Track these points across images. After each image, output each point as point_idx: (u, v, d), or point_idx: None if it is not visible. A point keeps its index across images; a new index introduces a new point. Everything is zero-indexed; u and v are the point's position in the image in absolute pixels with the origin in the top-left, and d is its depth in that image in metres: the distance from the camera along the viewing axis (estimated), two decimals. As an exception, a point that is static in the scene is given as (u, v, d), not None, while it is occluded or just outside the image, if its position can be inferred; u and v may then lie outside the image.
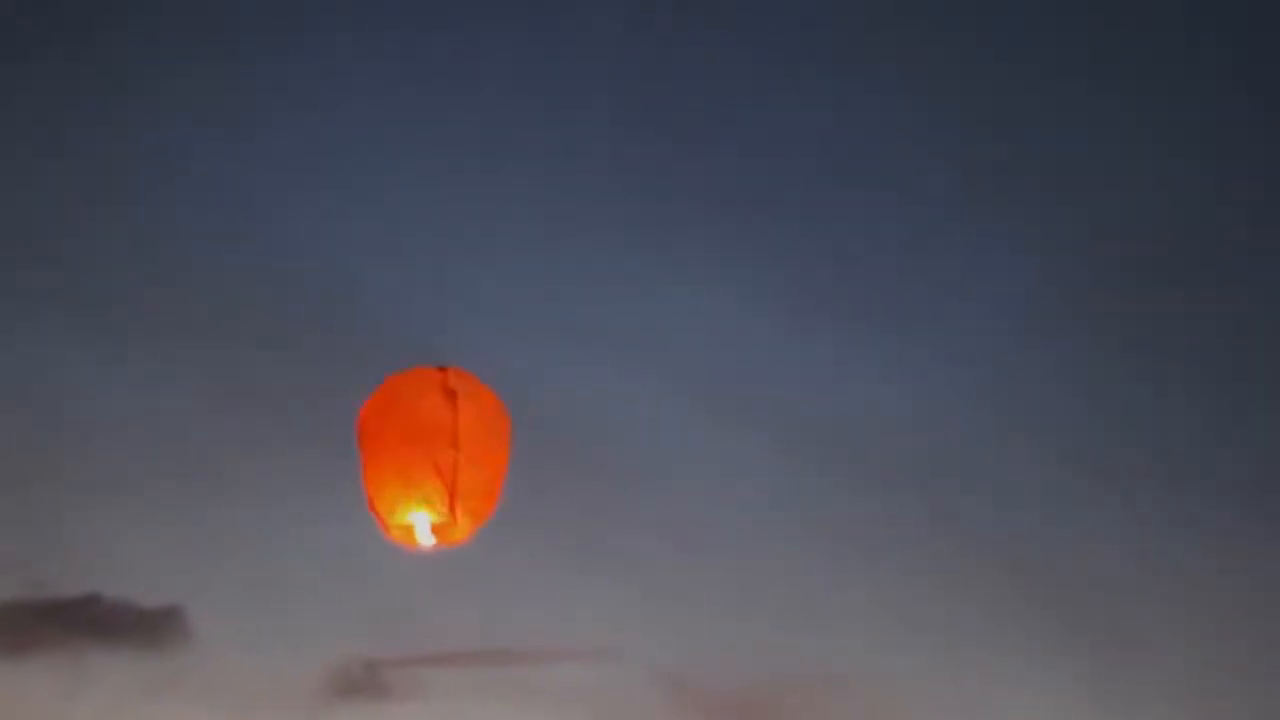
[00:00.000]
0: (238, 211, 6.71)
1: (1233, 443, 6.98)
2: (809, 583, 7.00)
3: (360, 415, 3.64)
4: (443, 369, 3.64)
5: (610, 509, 6.83)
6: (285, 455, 6.60)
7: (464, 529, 3.61)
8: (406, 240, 6.48)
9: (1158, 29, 6.75)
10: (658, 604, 6.90)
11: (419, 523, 3.55)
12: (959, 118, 6.85)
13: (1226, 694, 6.85)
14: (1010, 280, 7.04)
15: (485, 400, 3.66)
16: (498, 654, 6.95)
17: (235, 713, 6.80)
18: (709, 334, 6.94)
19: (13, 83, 6.39)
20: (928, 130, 6.83)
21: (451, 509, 3.53)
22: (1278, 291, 6.93)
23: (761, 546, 6.99)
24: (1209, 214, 6.88)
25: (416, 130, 6.57)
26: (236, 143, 6.57)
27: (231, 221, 6.71)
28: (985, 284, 7.06)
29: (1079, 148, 6.88)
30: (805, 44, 6.73)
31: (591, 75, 6.66)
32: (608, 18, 6.60)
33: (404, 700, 6.96)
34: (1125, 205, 6.86)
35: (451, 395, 3.55)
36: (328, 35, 6.49)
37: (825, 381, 7.02)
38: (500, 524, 6.64)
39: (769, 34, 6.69)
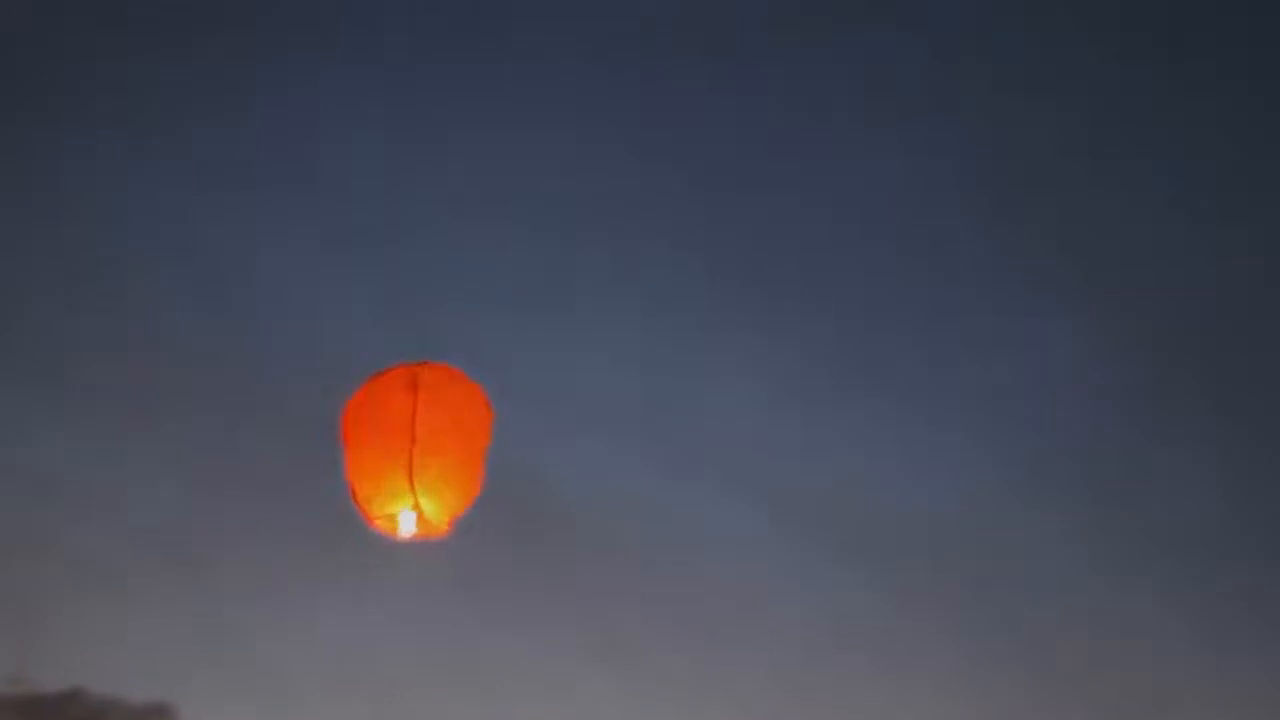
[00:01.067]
0: (235, 289, 6.56)
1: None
2: (830, 679, 6.70)
3: (343, 412, 3.69)
4: (415, 365, 3.66)
5: (623, 596, 6.64)
6: (281, 542, 6.42)
7: (438, 520, 3.65)
8: (406, 310, 6.25)
9: (1186, 100, 6.56)
10: (671, 696, 6.66)
11: (402, 515, 3.62)
12: (991, 183, 6.65)
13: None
14: (1042, 355, 6.80)
15: (454, 392, 3.64)
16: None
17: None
18: (735, 417, 6.75)
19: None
20: (958, 195, 6.62)
21: (415, 501, 3.58)
22: None
23: (782, 639, 6.73)
24: (1252, 278, 6.64)
25: (418, 202, 6.32)
26: (234, 219, 6.42)
27: (229, 300, 6.55)
28: (1017, 358, 6.79)
29: (1114, 213, 6.67)
30: (825, 107, 6.59)
31: (596, 153, 6.46)
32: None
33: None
34: (1165, 273, 6.65)
35: (413, 390, 3.59)
36: (321, 90, 6.42)
37: (843, 463, 6.79)
38: (504, 612, 6.45)
39: (787, 98, 6.56)
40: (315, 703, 6.54)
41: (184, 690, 6.53)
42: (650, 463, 6.58)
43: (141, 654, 6.50)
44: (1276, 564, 6.63)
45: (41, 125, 6.18)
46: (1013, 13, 6.43)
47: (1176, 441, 6.71)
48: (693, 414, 6.64)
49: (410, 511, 3.61)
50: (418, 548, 6.39)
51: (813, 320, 6.65)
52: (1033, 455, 6.76)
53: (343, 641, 6.45)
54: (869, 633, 6.70)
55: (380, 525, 3.66)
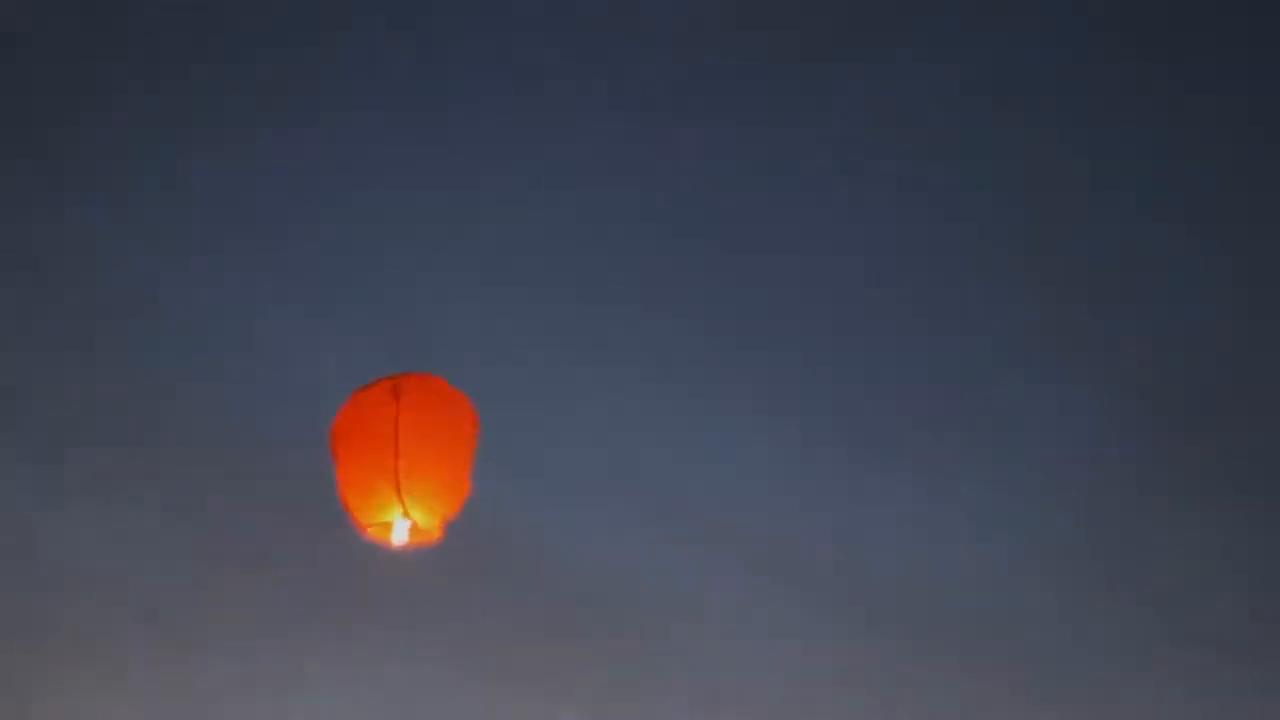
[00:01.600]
0: (233, 361, 6.47)
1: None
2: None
3: (332, 426, 3.80)
4: (396, 376, 3.78)
5: (623, 661, 6.57)
6: (269, 613, 6.39)
7: (429, 526, 3.75)
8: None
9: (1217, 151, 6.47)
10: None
11: (395, 523, 3.72)
12: (1000, 243, 6.58)
13: None
14: (1052, 421, 6.67)
15: (436, 402, 3.76)
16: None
17: None
18: (734, 479, 6.65)
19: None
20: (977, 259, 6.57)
21: (404, 510, 3.68)
22: None
23: (781, 700, 6.63)
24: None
25: (407, 261, 6.29)
26: (209, 283, 6.37)
27: (227, 374, 6.46)
28: (1039, 426, 6.68)
29: (1142, 277, 6.60)
30: (827, 165, 6.53)
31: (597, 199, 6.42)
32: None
33: None
34: (1189, 338, 6.53)
35: (394, 402, 3.71)
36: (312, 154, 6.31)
37: (846, 527, 6.67)
38: (507, 682, 6.33)
39: (786, 156, 6.50)
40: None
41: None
42: (648, 525, 6.53)
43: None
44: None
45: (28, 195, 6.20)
46: (1027, 66, 6.41)
47: (1188, 511, 6.59)
48: (692, 476, 6.58)
49: (402, 519, 3.70)
50: (418, 618, 6.38)
51: (814, 381, 6.57)
52: (1037, 521, 6.65)
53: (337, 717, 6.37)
54: (869, 696, 6.60)
55: (373, 534, 3.74)
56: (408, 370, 3.85)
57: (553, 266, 6.33)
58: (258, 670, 6.46)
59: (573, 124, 6.30)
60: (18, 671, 6.34)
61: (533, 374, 6.35)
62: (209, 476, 6.33)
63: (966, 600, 6.63)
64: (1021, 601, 6.64)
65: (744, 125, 6.38)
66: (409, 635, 6.44)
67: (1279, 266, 6.43)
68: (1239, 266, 6.46)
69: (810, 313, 6.54)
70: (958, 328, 6.56)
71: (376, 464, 3.65)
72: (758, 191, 6.43)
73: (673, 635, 6.59)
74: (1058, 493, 6.62)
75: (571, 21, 6.24)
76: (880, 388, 6.61)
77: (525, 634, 6.45)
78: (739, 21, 6.26)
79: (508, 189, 6.29)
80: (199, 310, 6.35)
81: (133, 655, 6.41)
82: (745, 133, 6.39)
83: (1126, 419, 6.55)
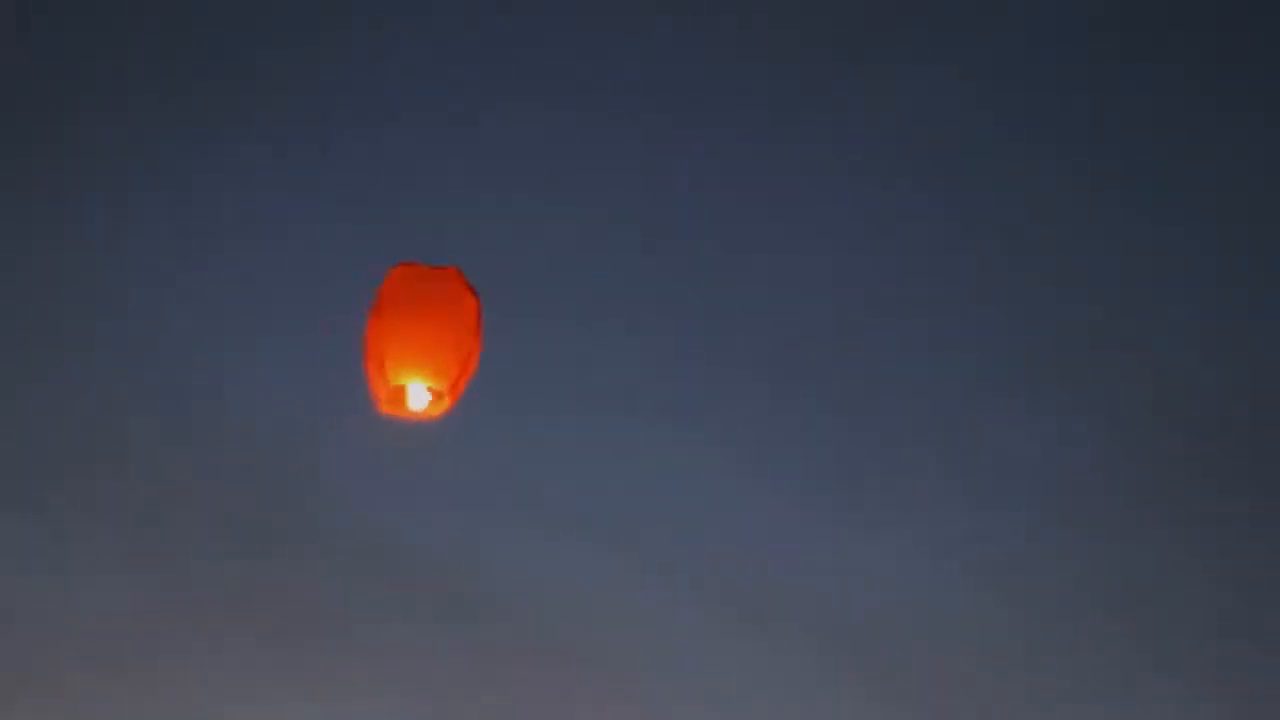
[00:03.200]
0: (198, 398, 6.38)
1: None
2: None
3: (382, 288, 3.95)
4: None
5: (591, 702, 6.35)
6: (229, 656, 6.22)
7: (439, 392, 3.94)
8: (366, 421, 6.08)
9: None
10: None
11: (411, 388, 3.89)
12: (995, 273, 6.52)
13: None
14: (1045, 462, 6.52)
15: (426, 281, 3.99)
16: None
17: None
18: (706, 516, 6.49)
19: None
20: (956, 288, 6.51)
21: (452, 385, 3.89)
22: None
23: None
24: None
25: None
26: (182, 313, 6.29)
27: (174, 387, 6.37)
28: (1025, 467, 6.53)
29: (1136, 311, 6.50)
30: (811, 188, 6.51)
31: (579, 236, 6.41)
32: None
33: None
34: (1185, 375, 6.44)
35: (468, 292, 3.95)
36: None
37: (843, 575, 6.48)
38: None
39: (770, 177, 6.49)
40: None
41: None
42: (616, 562, 6.40)
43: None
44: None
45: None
46: (1014, 110, 6.44)
47: (1185, 556, 6.46)
48: (662, 512, 6.44)
49: (418, 387, 3.85)
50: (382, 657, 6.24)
51: (787, 413, 6.47)
52: (1017, 561, 6.48)
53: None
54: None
55: (389, 408, 3.91)
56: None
57: (516, 296, 6.10)
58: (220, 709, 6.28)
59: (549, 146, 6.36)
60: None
61: (503, 405, 6.26)
62: (170, 506, 6.24)
63: (944, 641, 6.43)
64: (1000, 642, 6.44)
65: (727, 156, 6.42)
66: (379, 674, 6.31)
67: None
68: (1236, 300, 6.41)
69: (784, 343, 6.45)
70: (936, 362, 6.48)
71: (373, 348, 3.86)
72: (731, 218, 6.42)
73: (638, 669, 6.42)
74: (1039, 536, 6.47)
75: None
76: (856, 420, 6.50)
77: (496, 673, 6.31)
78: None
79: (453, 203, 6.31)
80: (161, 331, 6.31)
81: (74, 691, 6.21)
82: (729, 160, 6.41)
83: (1114, 461, 6.44)
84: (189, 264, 6.25)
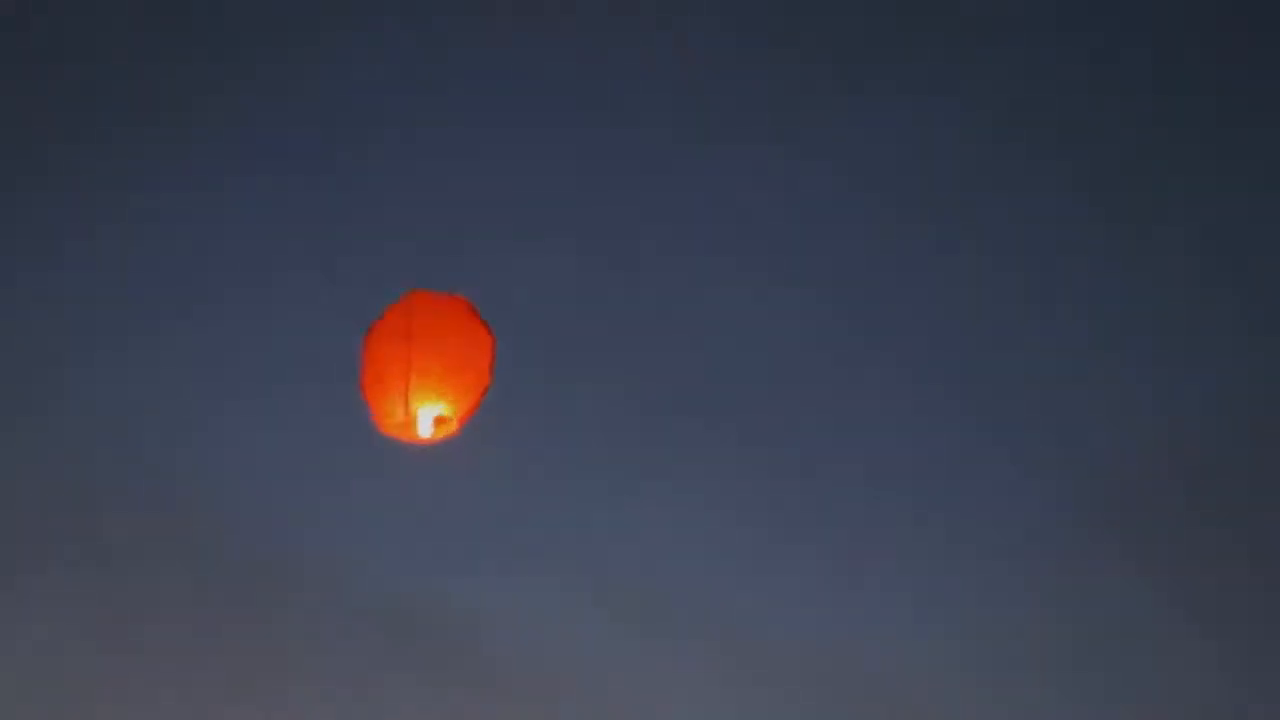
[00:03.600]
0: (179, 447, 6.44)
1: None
2: None
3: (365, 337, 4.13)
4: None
5: None
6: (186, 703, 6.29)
7: (451, 417, 4.08)
8: (325, 452, 6.27)
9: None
10: None
11: (420, 414, 4.01)
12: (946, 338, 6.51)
13: None
14: (1012, 506, 6.51)
15: (446, 315, 4.13)
16: None
17: None
18: (678, 560, 6.49)
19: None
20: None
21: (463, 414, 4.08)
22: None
23: None
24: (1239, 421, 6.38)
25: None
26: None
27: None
28: (986, 509, 6.53)
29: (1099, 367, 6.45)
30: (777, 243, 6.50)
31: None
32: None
33: None
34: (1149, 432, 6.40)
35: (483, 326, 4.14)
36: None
37: (791, 611, 6.48)
38: None
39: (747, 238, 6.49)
40: None
41: None
42: (589, 608, 6.43)
43: None
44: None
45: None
46: (977, 176, 6.41)
47: (1146, 605, 6.42)
48: (633, 556, 6.47)
49: (426, 413, 4.01)
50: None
51: (754, 461, 6.49)
52: (983, 612, 6.50)
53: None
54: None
55: (394, 432, 4.05)
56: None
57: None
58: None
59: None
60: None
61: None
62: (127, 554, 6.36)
63: (908, 689, 6.44)
64: (964, 690, 6.46)
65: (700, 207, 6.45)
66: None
67: (1242, 356, 6.37)
68: (1202, 355, 6.41)
69: (750, 387, 6.47)
70: (902, 411, 6.51)
71: (392, 362, 4.00)
72: (704, 257, 6.44)
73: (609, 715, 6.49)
74: (1004, 586, 6.47)
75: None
76: (824, 469, 6.53)
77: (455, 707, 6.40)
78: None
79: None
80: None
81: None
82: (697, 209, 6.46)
83: (1079, 512, 6.41)
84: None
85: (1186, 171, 6.34)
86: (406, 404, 3.98)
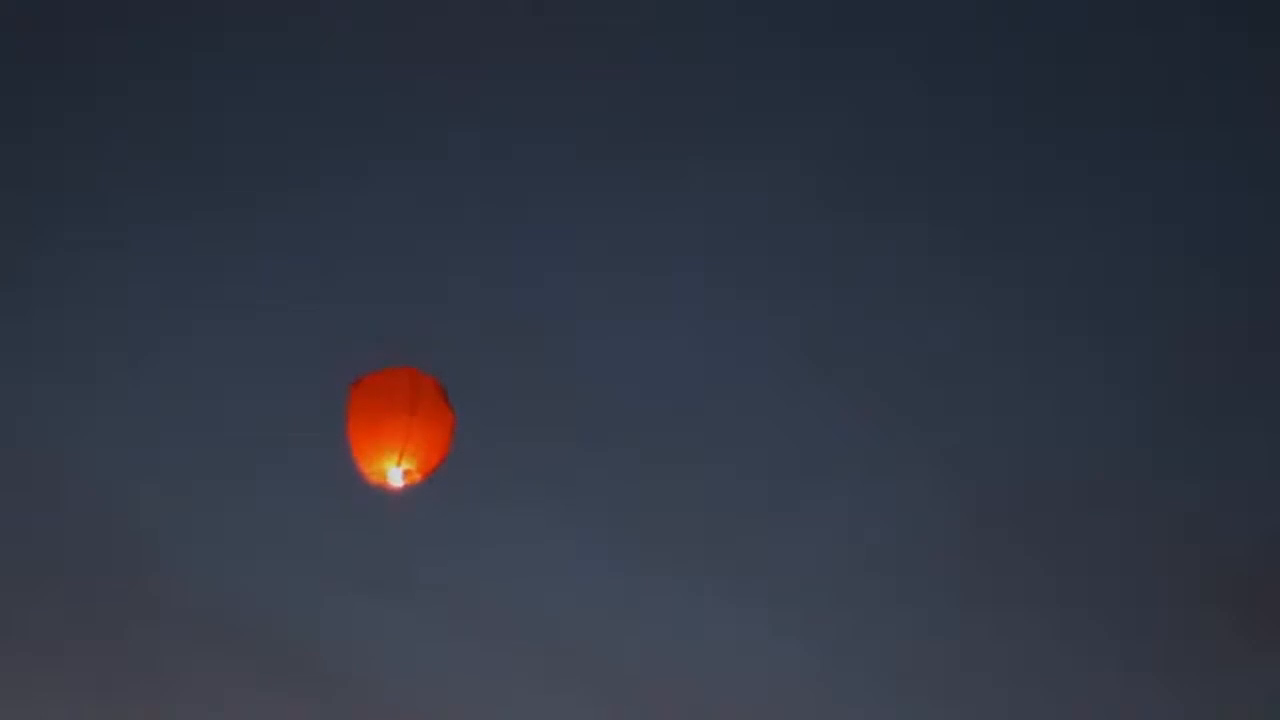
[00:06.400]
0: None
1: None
2: None
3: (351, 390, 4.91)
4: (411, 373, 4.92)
5: None
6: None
7: (420, 473, 4.91)
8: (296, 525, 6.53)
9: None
10: None
11: (390, 472, 4.86)
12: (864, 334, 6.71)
13: None
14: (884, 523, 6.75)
15: (434, 400, 4.92)
16: None
17: None
18: (552, 587, 6.75)
19: None
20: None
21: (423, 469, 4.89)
22: (1210, 509, 6.69)
23: None
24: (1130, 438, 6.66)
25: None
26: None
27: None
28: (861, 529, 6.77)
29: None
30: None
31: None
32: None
33: None
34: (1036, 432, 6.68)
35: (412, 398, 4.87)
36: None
37: (687, 645, 6.75)
38: None
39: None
40: None
41: None
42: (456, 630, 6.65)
43: None
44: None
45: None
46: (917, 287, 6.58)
47: (1016, 616, 6.72)
48: (504, 582, 6.72)
49: (397, 469, 4.86)
50: None
51: (619, 480, 6.70)
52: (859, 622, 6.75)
53: None
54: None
55: (375, 479, 4.88)
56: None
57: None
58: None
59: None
60: None
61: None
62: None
63: (771, 709, 6.66)
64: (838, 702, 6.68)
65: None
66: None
67: (1120, 368, 6.62)
68: (1082, 370, 6.64)
69: (607, 420, 6.63)
70: (803, 425, 6.68)
71: (389, 434, 4.80)
72: (599, 289, 6.62)
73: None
74: (863, 600, 6.70)
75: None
76: (699, 487, 6.70)
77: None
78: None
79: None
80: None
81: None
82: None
83: (934, 528, 6.64)
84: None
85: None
86: (398, 463, 4.84)
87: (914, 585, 6.67)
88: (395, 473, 4.86)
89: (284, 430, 6.40)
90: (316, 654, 6.52)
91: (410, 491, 4.89)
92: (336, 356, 6.16)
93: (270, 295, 6.51)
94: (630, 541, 6.66)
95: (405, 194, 6.50)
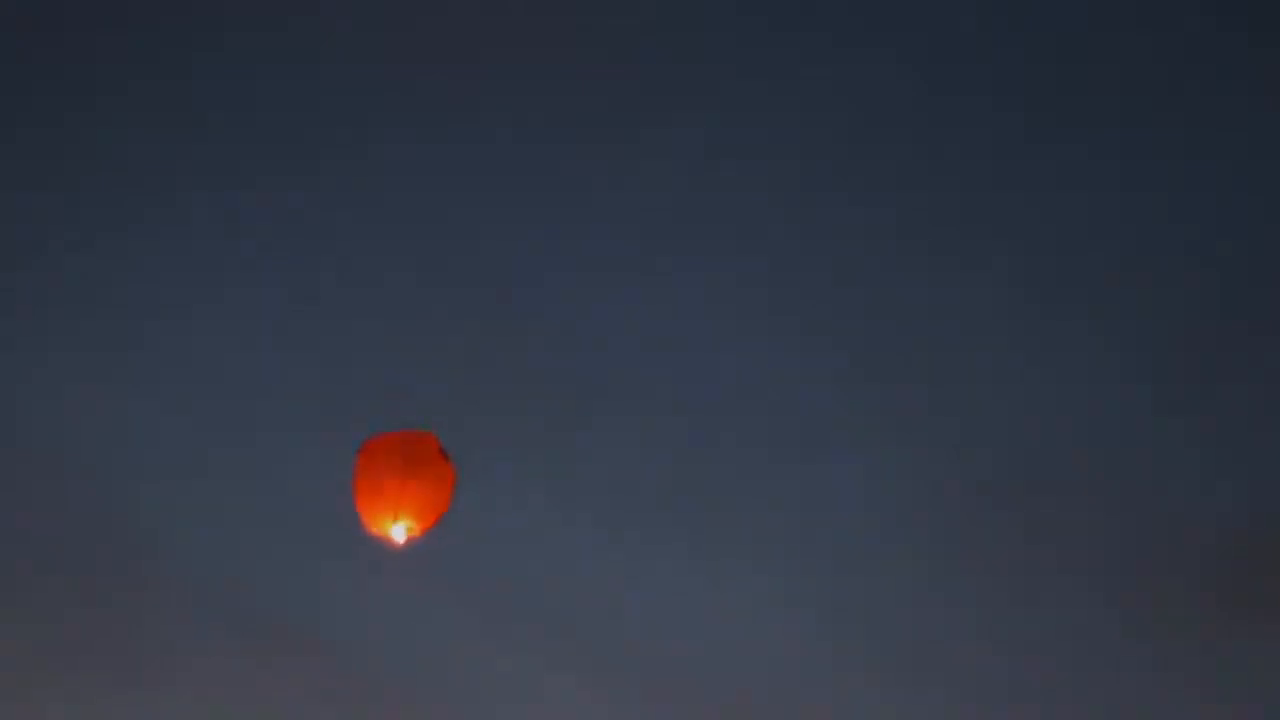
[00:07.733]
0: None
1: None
2: None
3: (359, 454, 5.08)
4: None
5: None
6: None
7: (419, 529, 5.12)
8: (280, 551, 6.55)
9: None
10: None
11: (394, 529, 5.08)
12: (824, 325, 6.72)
13: None
14: (866, 503, 6.75)
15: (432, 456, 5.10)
16: None
17: None
18: (552, 560, 6.72)
19: None
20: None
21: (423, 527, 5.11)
22: (1159, 503, 6.69)
23: None
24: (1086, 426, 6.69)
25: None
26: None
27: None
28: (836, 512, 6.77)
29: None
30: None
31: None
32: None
33: None
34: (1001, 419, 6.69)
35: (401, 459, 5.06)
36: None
37: (656, 613, 6.75)
38: None
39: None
40: None
41: None
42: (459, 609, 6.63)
43: None
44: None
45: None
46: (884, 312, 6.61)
47: (994, 589, 6.71)
48: (506, 560, 6.68)
49: (399, 526, 5.06)
50: None
51: (610, 461, 6.69)
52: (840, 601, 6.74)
53: None
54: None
55: (378, 533, 5.07)
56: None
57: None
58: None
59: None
60: None
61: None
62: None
63: (767, 679, 6.63)
64: (823, 681, 6.64)
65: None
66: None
67: (1090, 354, 6.64)
68: (1057, 355, 6.65)
69: (604, 393, 6.63)
70: (762, 408, 6.68)
71: (387, 498, 5.01)
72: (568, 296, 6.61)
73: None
74: (860, 571, 6.68)
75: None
76: (683, 467, 6.70)
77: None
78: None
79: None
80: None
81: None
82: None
83: (932, 499, 6.63)
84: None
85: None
86: (395, 519, 5.05)
87: (915, 558, 6.65)
88: (397, 529, 5.08)
89: (284, 427, 6.40)
90: (316, 637, 6.54)
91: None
92: (336, 350, 6.33)
93: (270, 294, 6.50)
94: (629, 512, 6.68)
95: (405, 193, 6.49)
